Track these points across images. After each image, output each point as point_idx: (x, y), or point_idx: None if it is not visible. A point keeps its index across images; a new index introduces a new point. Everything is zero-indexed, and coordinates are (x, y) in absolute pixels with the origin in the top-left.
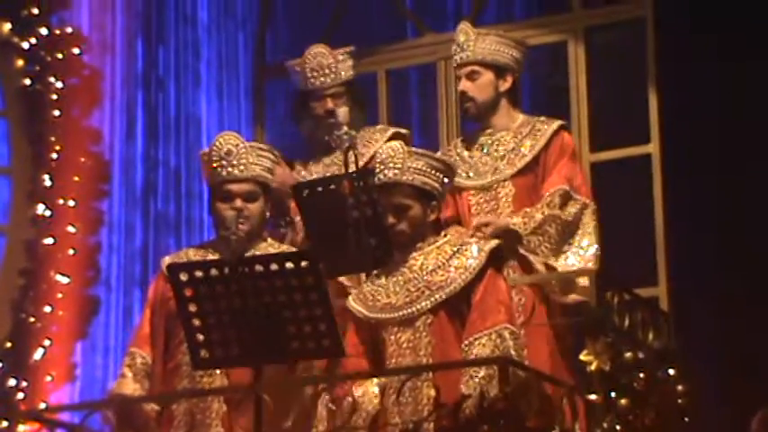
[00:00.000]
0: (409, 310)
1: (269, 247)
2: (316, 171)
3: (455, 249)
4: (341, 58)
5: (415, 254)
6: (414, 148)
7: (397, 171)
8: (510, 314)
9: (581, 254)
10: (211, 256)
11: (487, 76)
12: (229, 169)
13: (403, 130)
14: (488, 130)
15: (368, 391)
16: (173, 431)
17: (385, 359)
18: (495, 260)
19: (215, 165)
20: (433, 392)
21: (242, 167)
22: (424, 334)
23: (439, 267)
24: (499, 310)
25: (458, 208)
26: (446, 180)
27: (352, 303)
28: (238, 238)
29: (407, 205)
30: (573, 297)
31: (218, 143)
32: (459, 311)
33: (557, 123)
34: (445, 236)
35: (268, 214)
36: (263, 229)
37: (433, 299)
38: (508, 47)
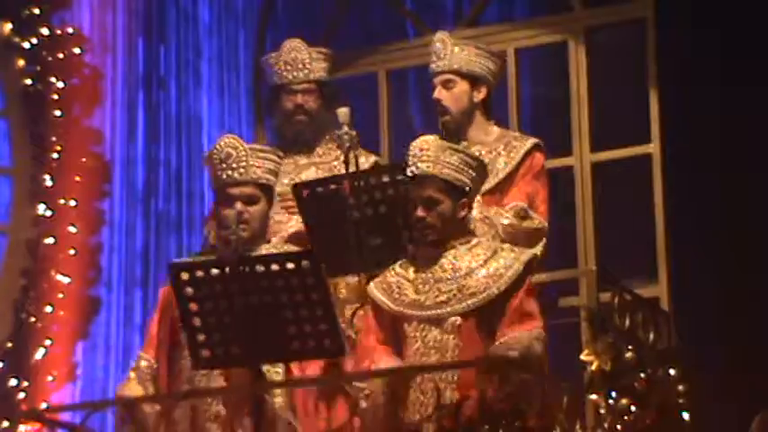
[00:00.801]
0: (439, 311)
1: (272, 248)
2: (285, 170)
3: (489, 254)
4: (315, 56)
5: (446, 253)
6: (448, 143)
7: (430, 164)
8: (543, 323)
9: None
10: None
11: (462, 85)
12: (229, 172)
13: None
14: (463, 143)
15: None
16: None
17: (407, 354)
18: (530, 270)
19: (216, 168)
20: (456, 395)
21: (241, 170)
22: (452, 336)
23: (472, 271)
24: (535, 317)
25: None
26: (476, 177)
27: (375, 292)
28: (238, 237)
29: (438, 199)
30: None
31: (217, 147)
32: (490, 318)
33: (530, 142)
34: (476, 237)
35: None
36: (265, 231)
37: (465, 304)
38: (485, 58)
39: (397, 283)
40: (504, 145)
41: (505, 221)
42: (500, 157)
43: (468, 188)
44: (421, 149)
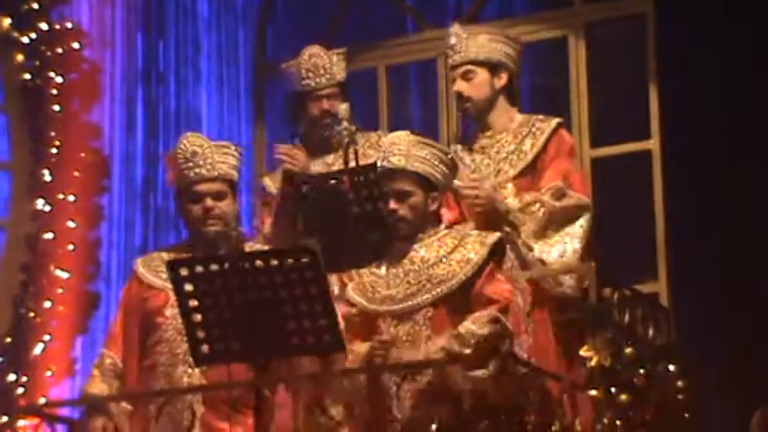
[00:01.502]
0: (409, 303)
1: (250, 248)
2: (316, 170)
3: (456, 242)
4: (335, 59)
5: (416, 245)
6: (418, 138)
7: (401, 158)
8: (509, 305)
9: (563, 250)
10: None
11: (482, 74)
12: (196, 170)
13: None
14: (488, 132)
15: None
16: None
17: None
18: (496, 253)
19: (182, 166)
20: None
21: (208, 167)
22: (424, 327)
23: (440, 260)
24: (498, 301)
25: (462, 211)
26: (448, 172)
27: (352, 294)
28: (237, 234)
29: (409, 192)
30: (559, 291)
31: (182, 145)
32: (460, 305)
33: (555, 121)
34: (446, 228)
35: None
36: (238, 225)
37: (434, 292)
38: (500, 43)
39: (370, 282)
40: (528, 128)
41: (542, 207)
42: (526, 140)
43: (439, 182)
44: (392, 144)
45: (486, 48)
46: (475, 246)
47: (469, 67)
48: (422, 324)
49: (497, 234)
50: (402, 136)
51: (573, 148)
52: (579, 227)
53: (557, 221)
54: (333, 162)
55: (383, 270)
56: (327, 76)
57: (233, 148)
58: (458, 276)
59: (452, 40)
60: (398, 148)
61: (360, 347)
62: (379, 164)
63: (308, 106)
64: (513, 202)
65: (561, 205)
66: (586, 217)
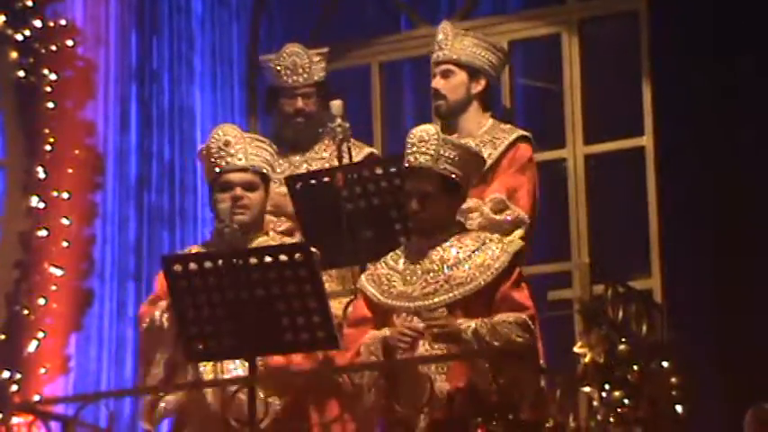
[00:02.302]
0: (426, 302)
1: (270, 240)
2: (280, 169)
3: (478, 245)
4: (316, 59)
5: (436, 245)
6: (448, 137)
7: (429, 157)
8: (533, 312)
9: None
10: None
11: (461, 76)
12: (228, 159)
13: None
14: (454, 135)
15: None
16: None
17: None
18: (518, 261)
19: (214, 156)
20: (447, 386)
21: (241, 156)
22: (437, 328)
23: (460, 262)
24: (523, 307)
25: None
26: (473, 174)
27: (365, 284)
28: (232, 231)
29: (434, 194)
30: None
31: (216, 135)
32: (476, 309)
33: (516, 134)
34: (465, 228)
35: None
36: (263, 220)
37: (451, 294)
38: (486, 50)
39: (386, 275)
40: (491, 136)
41: (479, 217)
42: (485, 148)
43: (463, 183)
44: (421, 140)
45: (470, 51)
46: (496, 252)
47: (450, 66)
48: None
49: (520, 242)
50: (432, 133)
51: (529, 161)
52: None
53: (492, 233)
54: (300, 162)
55: (401, 265)
56: (305, 76)
57: (267, 143)
58: (476, 281)
59: (440, 36)
60: (427, 147)
61: (380, 332)
62: (405, 160)
63: (282, 103)
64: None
65: (496, 219)
66: (520, 233)
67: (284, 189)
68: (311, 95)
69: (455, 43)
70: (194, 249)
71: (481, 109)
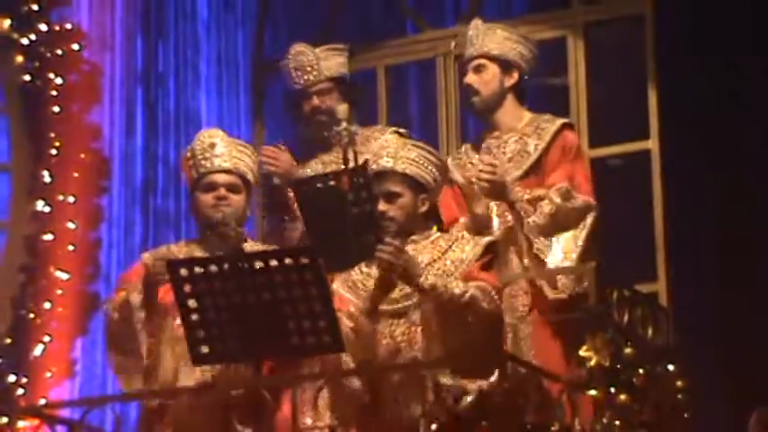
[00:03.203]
0: (405, 304)
1: (251, 247)
2: (315, 169)
3: (450, 243)
4: (322, 54)
5: (408, 247)
6: (408, 140)
7: (390, 159)
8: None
9: (566, 250)
10: (198, 253)
11: (493, 69)
12: (213, 160)
13: (401, 130)
14: (495, 133)
15: None
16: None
17: (378, 352)
18: (489, 253)
19: (198, 158)
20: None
21: (225, 158)
22: (420, 327)
23: (434, 261)
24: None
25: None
26: (437, 174)
27: (341, 290)
28: (237, 233)
29: (398, 193)
30: (554, 296)
31: (201, 138)
32: None
33: (560, 122)
34: (437, 231)
35: (267, 211)
36: (243, 223)
37: None
38: (516, 42)
39: (362, 281)
40: (534, 127)
41: (548, 205)
42: (530, 140)
43: (428, 184)
44: (381, 147)
45: (501, 44)
46: (467, 246)
47: (482, 60)
48: (418, 324)
49: (490, 237)
50: (391, 138)
51: (579, 148)
52: (582, 228)
53: (562, 220)
54: (329, 161)
55: (374, 269)
56: (315, 73)
57: (250, 150)
58: (452, 276)
59: (471, 32)
60: (387, 150)
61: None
62: (369, 166)
63: (302, 105)
64: (521, 193)
65: (568, 205)
66: (591, 218)
67: None
68: (328, 92)
69: (486, 37)
70: (173, 247)
71: (517, 102)
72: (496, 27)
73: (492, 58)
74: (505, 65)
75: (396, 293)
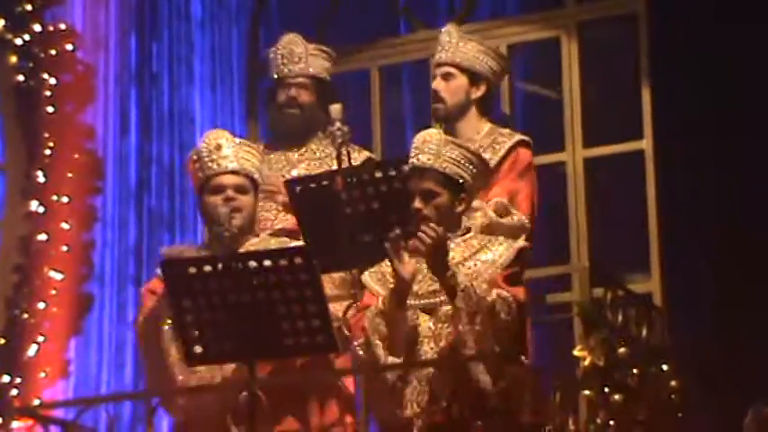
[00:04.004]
0: (433, 300)
1: (261, 242)
2: (278, 164)
3: (483, 244)
4: (313, 51)
5: None
6: (451, 138)
7: (431, 156)
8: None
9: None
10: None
11: (461, 79)
12: (220, 161)
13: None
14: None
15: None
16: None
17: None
18: (520, 258)
19: (205, 160)
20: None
21: (232, 160)
22: (446, 324)
23: (465, 260)
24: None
25: None
26: (477, 174)
27: (370, 282)
28: (232, 235)
29: (436, 192)
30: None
31: (207, 140)
32: None
33: (516, 138)
34: (470, 231)
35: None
36: (254, 223)
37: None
38: (487, 56)
39: (391, 273)
40: (490, 140)
41: (482, 218)
42: (485, 152)
43: (467, 184)
44: (424, 141)
45: (472, 56)
46: (500, 249)
47: (451, 69)
48: (444, 321)
49: (524, 242)
50: (434, 134)
51: (529, 166)
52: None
53: (494, 235)
54: (297, 161)
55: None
56: (301, 65)
57: (256, 148)
58: (482, 276)
59: (444, 38)
60: (429, 147)
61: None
62: (408, 161)
63: (278, 94)
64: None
65: (500, 221)
66: (521, 239)
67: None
68: (306, 87)
69: (458, 47)
70: (185, 250)
71: (479, 114)
72: (470, 38)
73: (462, 69)
74: (474, 77)
75: (424, 288)
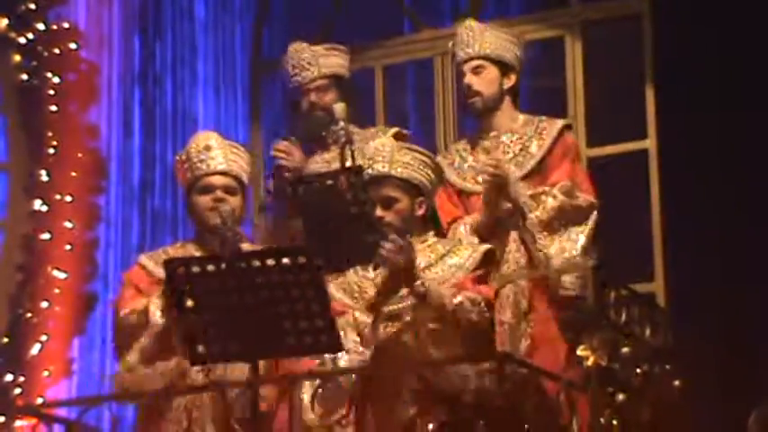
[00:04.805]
0: (399, 306)
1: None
2: (315, 167)
3: (447, 249)
4: (322, 52)
5: None
6: (402, 143)
7: (385, 164)
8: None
9: (565, 247)
10: (194, 253)
11: (493, 71)
12: (209, 162)
13: (404, 131)
14: (492, 133)
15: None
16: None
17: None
18: (487, 262)
19: (194, 160)
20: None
21: (221, 161)
22: (412, 331)
23: (431, 265)
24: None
25: (468, 211)
26: (433, 176)
27: (334, 292)
28: (234, 234)
29: (395, 198)
30: (562, 293)
31: (196, 141)
32: None
33: (560, 123)
34: (435, 235)
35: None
36: (240, 227)
37: None
38: (512, 44)
39: (357, 283)
40: (533, 128)
41: (553, 201)
42: (532, 140)
43: (424, 186)
44: (376, 150)
45: (498, 46)
46: (466, 253)
47: (481, 62)
48: (410, 327)
49: (487, 245)
50: (385, 142)
51: (577, 149)
52: (584, 225)
53: (565, 216)
54: (330, 159)
55: (370, 271)
56: (312, 70)
57: (243, 151)
58: (448, 282)
59: (465, 33)
60: (382, 155)
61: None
62: (365, 173)
63: (300, 102)
64: (524, 189)
65: (572, 202)
66: (593, 217)
67: None
68: (325, 88)
69: (483, 39)
70: (170, 249)
71: (512, 104)
72: (491, 28)
73: (492, 60)
74: (504, 67)
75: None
